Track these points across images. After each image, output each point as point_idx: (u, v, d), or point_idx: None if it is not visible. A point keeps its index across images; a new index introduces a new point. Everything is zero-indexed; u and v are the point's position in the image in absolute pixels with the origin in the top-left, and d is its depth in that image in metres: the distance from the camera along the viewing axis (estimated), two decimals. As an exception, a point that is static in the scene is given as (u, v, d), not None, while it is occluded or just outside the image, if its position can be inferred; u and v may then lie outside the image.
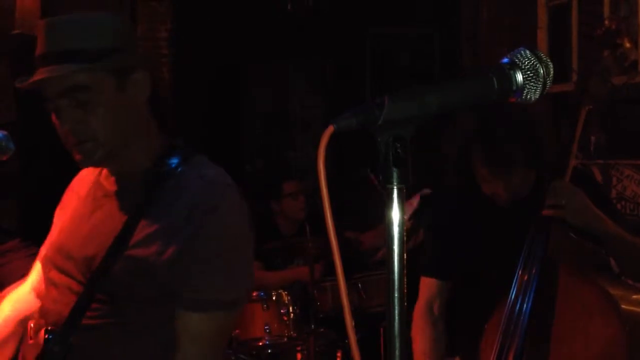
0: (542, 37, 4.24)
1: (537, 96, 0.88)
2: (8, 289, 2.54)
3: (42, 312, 1.60)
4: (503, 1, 4.53)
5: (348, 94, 6.62)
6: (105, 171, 1.63)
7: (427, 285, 2.27)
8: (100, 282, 1.47)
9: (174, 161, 1.53)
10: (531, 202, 2.04)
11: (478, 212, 2.22)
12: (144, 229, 1.47)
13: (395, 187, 0.80)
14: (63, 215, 1.70)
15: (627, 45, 2.07)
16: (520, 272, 1.96)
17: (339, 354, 3.64)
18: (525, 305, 1.91)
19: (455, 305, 2.35)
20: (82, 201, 1.65)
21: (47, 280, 1.63)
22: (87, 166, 1.54)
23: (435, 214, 2.31)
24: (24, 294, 1.80)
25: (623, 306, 1.89)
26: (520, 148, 2.06)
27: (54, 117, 1.50)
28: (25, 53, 5.04)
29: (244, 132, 6.97)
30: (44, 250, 1.70)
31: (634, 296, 2.01)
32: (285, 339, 3.48)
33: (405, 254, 0.79)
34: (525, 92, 0.88)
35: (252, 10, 6.20)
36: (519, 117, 2.13)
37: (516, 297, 1.94)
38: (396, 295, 0.77)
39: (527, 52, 0.89)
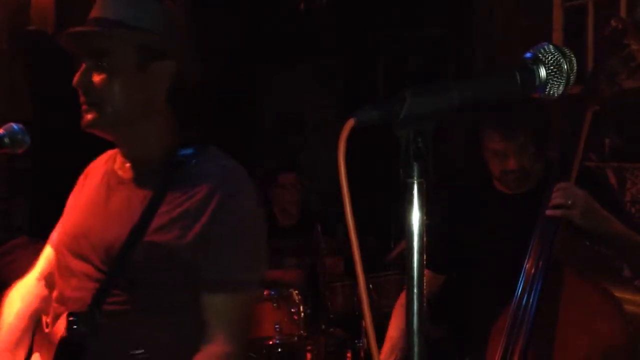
0: (557, 38, 4.21)
1: (560, 92, 0.87)
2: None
3: (61, 300, 1.60)
4: (518, 2, 4.50)
5: (360, 96, 6.61)
6: (119, 160, 1.65)
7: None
8: (121, 268, 1.49)
9: (189, 151, 1.56)
10: (536, 201, 2.03)
11: (480, 207, 2.23)
12: (163, 215, 1.50)
13: (415, 181, 0.79)
14: (77, 202, 1.71)
15: (635, 45, 2.06)
16: (525, 272, 1.96)
17: (348, 355, 3.63)
18: (530, 306, 1.91)
19: (463, 306, 2.34)
20: (96, 189, 1.66)
21: (64, 268, 1.63)
22: (88, 128, 1.56)
23: (436, 206, 2.31)
24: (31, 286, 1.81)
25: (626, 307, 1.88)
26: (531, 117, 2.10)
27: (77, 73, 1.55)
28: (41, 50, 5.05)
29: (255, 133, 6.97)
30: (57, 237, 1.71)
31: (638, 297, 2.00)
32: (296, 339, 3.47)
33: (424, 252, 0.78)
34: (548, 87, 0.87)
35: (264, 10, 6.20)
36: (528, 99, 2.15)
37: (521, 297, 1.94)
38: (415, 291, 0.76)
39: (551, 46, 0.88)
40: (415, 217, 0.79)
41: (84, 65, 1.53)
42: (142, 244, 1.48)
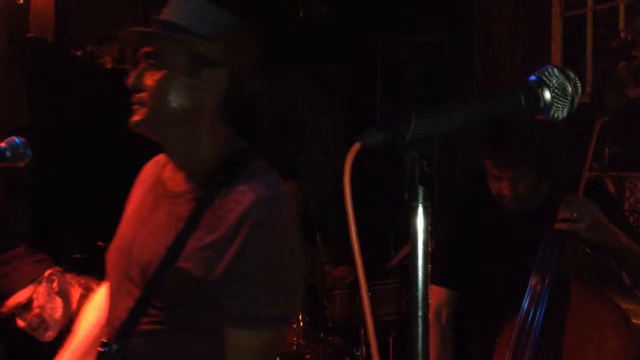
0: (556, 48, 4.22)
1: (564, 115, 0.87)
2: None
3: (108, 318, 1.61)
4: (517, 11, 4.50)
5: (359, 101, 6.61)
6: (169, 168, 1.63)
7: (436, 294, 2.25)
8: (155, 289, 1.48)
9: (233, 169, 1.52)
10: (543, 215, 2.02)
11: (489, 223, 2.20)
12: (195, 241, 1.47)
13: (420, 204, 0.79)
14: (128, 211, 1.70)
15: None
16: (532, 285, 1.95)
17: (347, 363, 3.63)
18: (537, 319, 1.90)
19: (468, 318, 2.33)
20: (144, 197, 1.65)
21: (110, 284, 1.63)
22: (134, 128, 1.55)
23: (446, 224, 2.28)
24: (104, 297, 1.79)
25: (634, 321, 1.88)
26: (527, 148, 2.02)
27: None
28: (39, 57, 5.03)
29: (253, 138, 6.96)
30: (110, 248, 1.68)
31: None
32: (295, 347, 3.47)
33: (429, 277, 0.78)
34: (552, 110, 0.87)
35: (264, 16, 6.20)
36: (532, 124, 2.09)
37: (528, 310, 1.93)
38: (420, 314, 0.76)
39: (555, 69, 0.88)
40: (421, 240, 0.79)
41: (141, 65, 1.54)
42: (174, 269, 1.46)
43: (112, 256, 1.63)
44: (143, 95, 1.52)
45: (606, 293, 1.94)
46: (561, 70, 0.88)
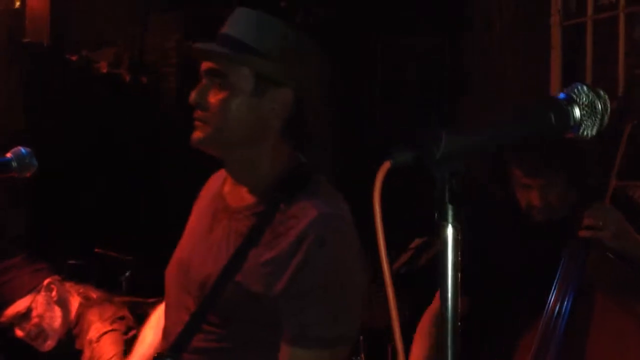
0: (555, 56, 4.22)
1: (594, 132, 0.86)
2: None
3: (164, 332, 1.59)
4: (517, 16, 4.50)
5: (357, 103, 6.59)
6: (229, 182, 1.61)
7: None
8: (212, 305, 1.46)
9: (293, 186, 1.50)
10: (568, 224, 1.98)
11: (510, 230, 2.15)
12: (254, 258, 1.45)
13: (450, 224, 0.78)
14: (189, 225, 1.69)
15: None
16: (554, 295, 1.92)
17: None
18: (559, 328, 1.87)
19: (484, 326, 2.30)
20: (204, 212, 1.63)
21: (168, 297, 1.61)
22: (194, 145, 1.53)
23: (465, 227, 2.25)
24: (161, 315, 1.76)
25: None
26: (558, 153, 1.98)
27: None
28: (36, 61, 5.01)
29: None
30: (170, 261, 1.66)
31: None
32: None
33: (458, 297, 0.76)
34: (582, 128, 0.86)
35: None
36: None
37: (549, 319, 1.90)
38: (449, 338, 0.74)
39: (585, 87, 0.87)
40: (450, 262, 0.77)
41: (203, 82, 1.52)
42: (232, 283, 1.45)
43: (171, 270, 1.62)
44: (206, 113, 1.49)
45: (631, 304, 1.92)
46: (590, 87, 0.87)
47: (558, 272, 1.92)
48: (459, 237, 0.78)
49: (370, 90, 6.63)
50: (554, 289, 1.92)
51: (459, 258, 0.78)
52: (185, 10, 5.76)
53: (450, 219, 0.78)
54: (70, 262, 3.89)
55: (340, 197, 1.53)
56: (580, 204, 1.98)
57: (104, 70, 5.57)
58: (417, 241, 4.07)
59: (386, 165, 0.76)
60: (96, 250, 3.95)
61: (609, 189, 1.94)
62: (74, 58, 5.35)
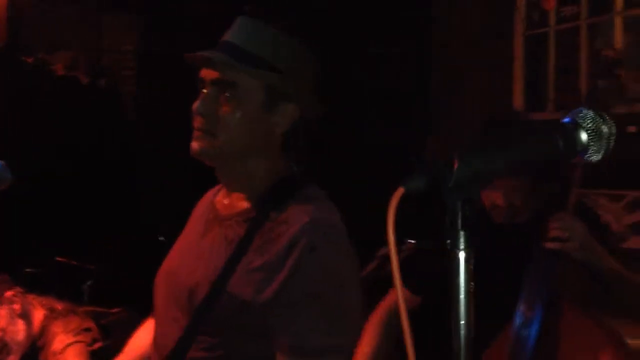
0: (518, 66, 4.28)
1: (600, 157, 0.86)
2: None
3: (155, 344, 1.55)
4: (478, 27, 4.54)
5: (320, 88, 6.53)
6: (222, 192, 1.59)
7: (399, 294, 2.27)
8: (204, 315, 1.43)
9: (285, 193, 1.49)
10: (532, 231, 2.00)
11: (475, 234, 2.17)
12: (245, 265, 1.43)
13: (462, 251, 0.77)
14: (183, 234, 1.66)
15: (623, 76, 2.07)
16: (523, 305, 1.93)
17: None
18: (528, 341, 1.88)
19: (443, 331, 2.32)
20: (197, 222, 1.62)
21: (156, 309, 1.58)
22: (195, 155, 1.50)
23: (427, 230, 2.27)
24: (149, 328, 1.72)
25: (629, 342, 1.87)
26: None
27: (198, 99, 1.51)
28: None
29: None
30: (158, 271, 1.63)
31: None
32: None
33: (473, 326, 0.75)
34: (589, 152, 0.86)
35: (225, 25, 6.13)
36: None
37: (518, 331, 1.91)
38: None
39: (589, 111, 0.87)
40: (463, 289, 0.76)
41: (207, 91, 1.48)
42: (224, 293, 1.42)
43: (159, 281, 1.59)
44: (211, 124, 1.47)
45: (599, 314, 1.93)
46: (595, 111, 0.87)
47: (525, 285, 1.94)
48: (471, 264, 0.77)
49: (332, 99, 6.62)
50: (521, 302, 1.93)
51: (471, 285, 0.77)
52: (142, 13, 5.68)
53: (462, 245, 0.77)
54: (28, 270, 3.80)
55: (333, 205, 1.51)
56: (544, 211, 2.00)
57: (61, 73, 5.47)
58: (382, 250, 4.08)
59: (399, 192, 0.75)
60: (57, 258, 3.86)
61: (571, 199, 1.96)
62: (29, 60, 5.24)
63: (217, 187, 1.65)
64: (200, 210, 1.65)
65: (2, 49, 5.02)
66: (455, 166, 0.77)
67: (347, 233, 1.47)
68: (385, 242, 2.70)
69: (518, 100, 4.29)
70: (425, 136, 4.96)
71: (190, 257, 1.54)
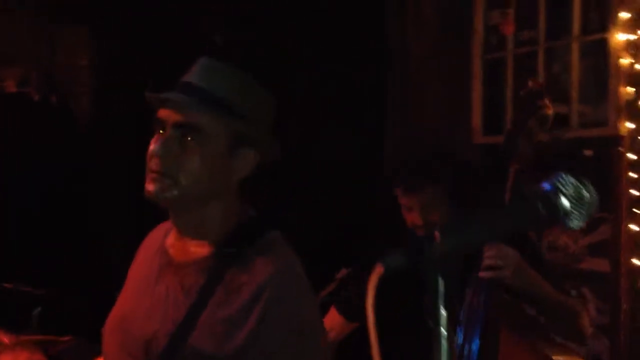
0: (476, 88, 4.30)
1: (582, 223, 0.83)
2: None
3: None
4: (436, 47, 4.55)
5: (275, 129, 6.50)
6: (172, 235, 1.54)
7: (334, 319, 2.36)
8: None
9: (245, 241, 1.45)
10: (465, 258, 2.03)
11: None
12: (207, 317, 1.38)
13: (444, 329, 0.73)
14: (128, 282, 1.60)
15: (548, 107, 2.14)
16: (462, 334, 1.96)
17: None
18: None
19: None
20: (147, 265, 1.55)
21: (108, 357, 1.52)
22: (152, 199, 1.45)
23: (364, 257, 2.33)
24: None
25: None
26: (439, 168, 2.10)
27: (155, 137, 1.45)
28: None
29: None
30: (108, 317, 1.57)
31: (575, 358, 2.04)
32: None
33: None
34: (572, 217, 0.84)
35: (180, 40, 6.04)
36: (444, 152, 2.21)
37: (460, 350, 1.93)
38: None
39: (569, 177, 0.84)
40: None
41: (167, 132, 1.43)
42: (184, 347, 1.37)
43: (110, 328, 1.53)
44: (170, 168, 1.42)
45: (534, 343, 1.97)
46: (575, 176, 0.85)
47: (461, 314, 1.96)
48: (453, 343, 0.73)
49: (285, 114, 6.57)
50: (458, 331, 1.95)
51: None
52: (94, 26, 5.57)
53: (443, 323, 0.73)
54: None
55: (293, 252, 1.49)
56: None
57: (12, 89, 5.34)
58: (343, 271, 4.06)
59: (378, 271, 0.71)
60: (5, 285, 3.72)
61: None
62: (-22, 76, 5.11)
63: (165, 226, 1.60)
64: (149, 250, 1.59)
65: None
66: (437, 242, 0.74)
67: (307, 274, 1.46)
68: (344, 265, 2.71)
69: (476, 120, 4.31)
70: (379, 154, 4.95)
71: (144, 304, 1.48)
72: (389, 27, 4.88)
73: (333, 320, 2.40)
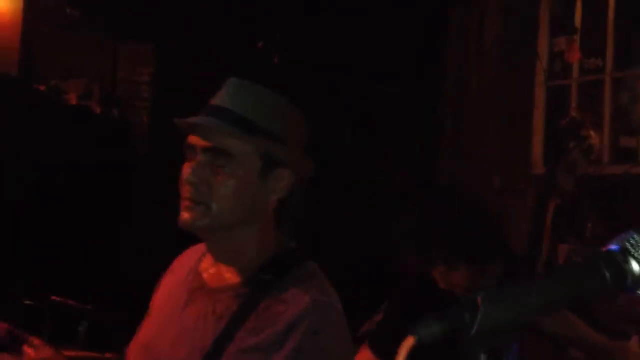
0: (538, 116, 4.16)
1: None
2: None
3: None
4: (497, 74, 4.43)
5: (326, 150, 6.45)
6: (207, 259, 1.49)
7: (365, 356, 2.27)
8: None
9: (282, 269, 1.41)
10: None
11: (436, 301, 2.13)
12: (238, 344, 1.35)
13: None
14: (156, 303, 1.56)
15: (592, 137, 2.05)
16: None
17: None
18: None
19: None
20: (177, 289, 1.51)
21: None
22: (186, 227, 1.42)
23: (392, 303, 2.31)
24: None
25: None
26: (506, 241, 2.05)
27: (186, 164, 1.42)
28: (3, 91, 4.86)
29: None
30: (132, 341, 1.54)
31: None
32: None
33: None
34: (642, 284, 0.72)
35: (240, 58, 6.05)
36: (479, 205, 2.15)
37: None
38: None
39: (640, 237, 0.73)
40: None
41: (198, 159, 1.40)
42: None
43: (135, 353, 1.50)
44: (204, 195, 1.39)
45: None
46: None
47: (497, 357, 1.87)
48: None
49: (338, 136, 6.53)
50: None
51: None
52: (157, 43, 5.64)
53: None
54: (26, 302, 3.70)
55: (330, 285, 1.44)
56: (506, 275, 2.00)
57: (74, 102, 5.43)
58: (386, 303, 3.99)
59: (409, 342, 0.62)
60: (52, 297, 3.74)
61: (539, 265, 1.95)
62: (42, 88, 5.21)
63: (200, 250, 1.55)
64: (180, 274, 1.54)
65: (15, 77, 5.00)
66: (480, 310, 0.63)
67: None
68: (386, 297, 2.63)
69: (537, 150, 4.17)
70: (433, 183, 4.84)
71: (171, 329, 1.44)
72: (449, 53, 4.79)
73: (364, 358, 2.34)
